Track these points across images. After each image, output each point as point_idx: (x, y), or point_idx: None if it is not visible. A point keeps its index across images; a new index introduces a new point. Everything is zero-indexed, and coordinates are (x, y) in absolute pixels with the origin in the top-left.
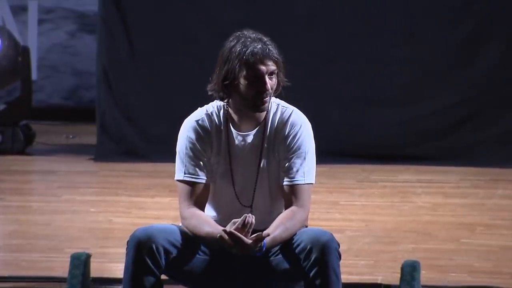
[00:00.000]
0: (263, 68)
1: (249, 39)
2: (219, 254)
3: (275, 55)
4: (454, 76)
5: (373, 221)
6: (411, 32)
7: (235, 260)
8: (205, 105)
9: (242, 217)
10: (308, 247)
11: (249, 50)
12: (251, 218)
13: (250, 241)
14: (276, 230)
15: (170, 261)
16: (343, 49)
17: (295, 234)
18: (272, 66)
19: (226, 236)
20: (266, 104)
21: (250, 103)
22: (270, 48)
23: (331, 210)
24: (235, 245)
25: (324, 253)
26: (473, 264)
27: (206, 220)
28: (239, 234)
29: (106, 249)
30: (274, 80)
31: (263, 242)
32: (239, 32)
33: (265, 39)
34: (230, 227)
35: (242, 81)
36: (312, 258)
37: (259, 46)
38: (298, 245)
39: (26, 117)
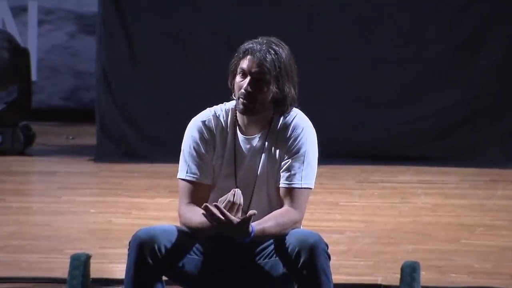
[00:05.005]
0: (248, 65)
1: (260, 39)
2: (214, 254)
3: (263, 62)
4: (454, 77)
5: (373, 222)
6: (411, 33)
7: (229, 260)
8: (215, 106)
9: (230, 192)
10: (296, 250)
11: (247, 45)
12: (239, 194)
13: (237, 220)
14: (267, 222)
15: (171, 262)
16: (343, 50)
17: (286, 235)
18: (255, 69)
19: (212, 208)
20: (245, 107)
21: (238, 101)
22: (264, 54)
23: (331, 211)
24: (222, 224)
25: (312, 256)
26: (473, 265)
27: (201, 211)
28: (225, 211)
29: (106, 250)
30: (262, 89)
31: (251, 227)
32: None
33: (273, 47)
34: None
35: (237, 76)
36: (301, 261)
37: (257, 47)
38: (288, 247)
39: (26, 117)
